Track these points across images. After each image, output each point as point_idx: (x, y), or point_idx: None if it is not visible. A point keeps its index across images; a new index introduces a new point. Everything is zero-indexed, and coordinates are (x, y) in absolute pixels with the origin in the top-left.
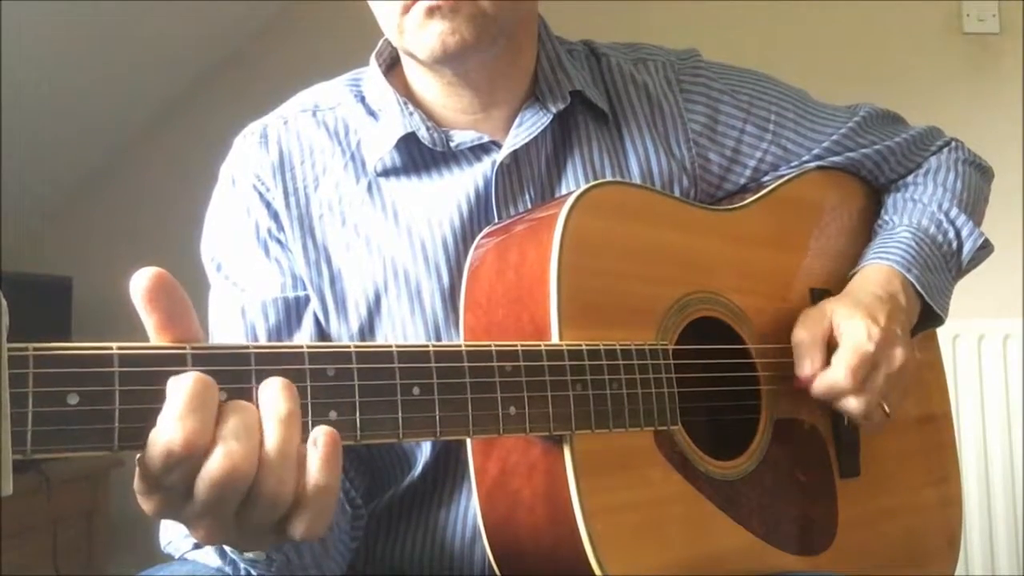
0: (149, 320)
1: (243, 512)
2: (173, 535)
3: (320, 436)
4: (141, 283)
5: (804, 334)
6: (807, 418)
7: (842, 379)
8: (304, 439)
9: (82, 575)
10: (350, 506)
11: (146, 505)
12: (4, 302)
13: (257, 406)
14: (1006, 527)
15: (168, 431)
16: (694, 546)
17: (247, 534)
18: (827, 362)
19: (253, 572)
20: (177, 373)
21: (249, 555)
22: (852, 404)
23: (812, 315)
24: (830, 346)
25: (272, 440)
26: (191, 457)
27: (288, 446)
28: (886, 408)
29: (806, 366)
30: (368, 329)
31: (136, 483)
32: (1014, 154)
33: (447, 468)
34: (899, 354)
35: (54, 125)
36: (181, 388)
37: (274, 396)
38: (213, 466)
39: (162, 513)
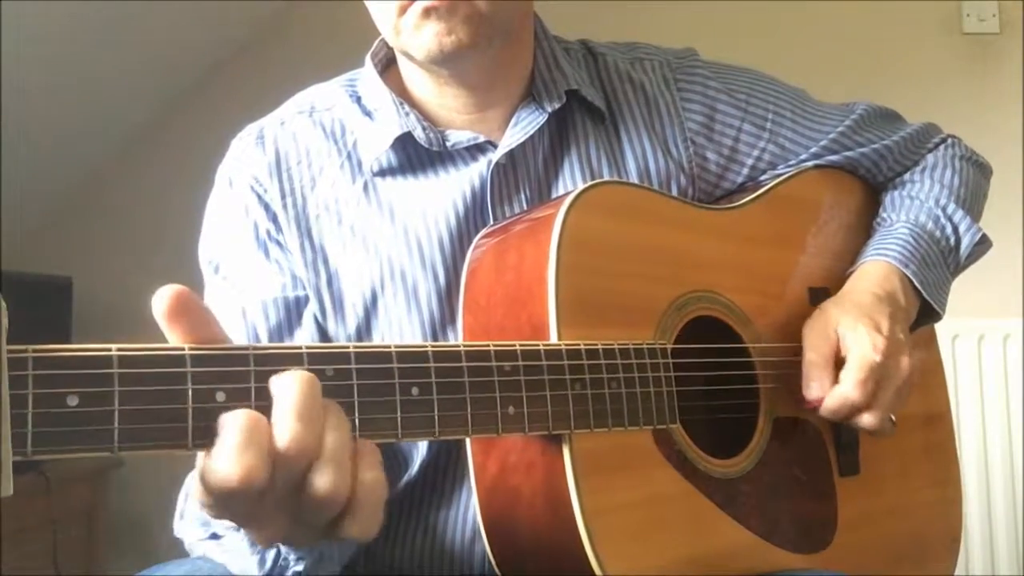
0: (172, 337)
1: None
2: (188, 525)
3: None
4: (161, 304)
5: (813, 355)
6: (806, 416)
7: (852, 394)
8: None
9: (82, 575)
10: None
11: (213, 512)
12: (4, 304)
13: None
14: (1006, 527)
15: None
16: (694, 544)
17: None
18: (836, 379)
19: (291, 557)
20: (178, 374)
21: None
22: (866, 420)
23: (817, 330)
24: (837, 361)
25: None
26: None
27: (347, 434)
28: (893, 418)
29: (814, 388)
30: (365, 328)
31: (202, 496)
32: (1014, 154)
33: (446, 467)
34: (905, 363)
35: (54, 125)
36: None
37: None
38: (280, 440)
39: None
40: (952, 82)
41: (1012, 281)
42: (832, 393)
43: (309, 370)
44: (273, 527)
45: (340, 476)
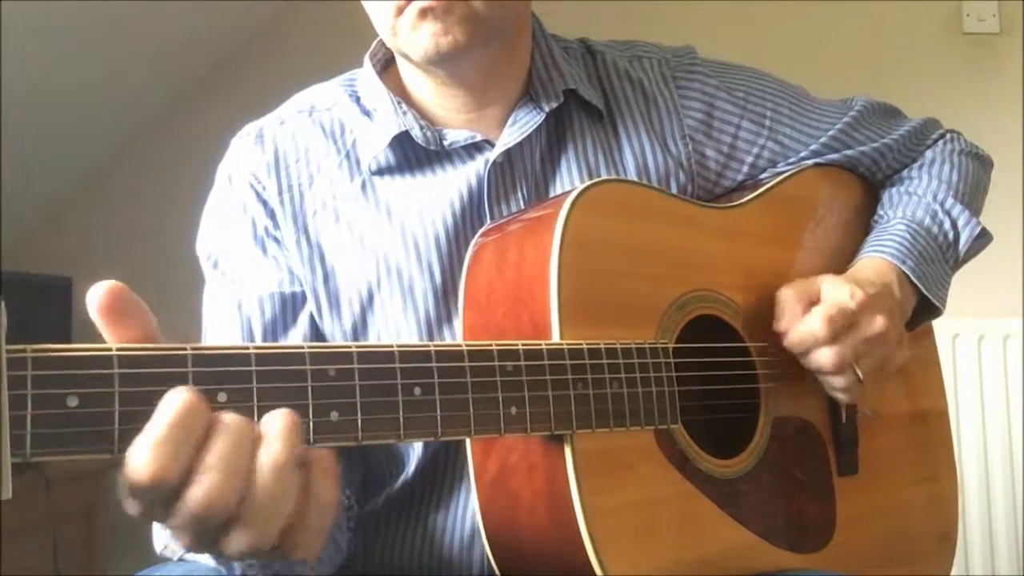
0: (106, 333)
1: (226, 540)
2: (167, 538)
3: (317, 459)
4: (96, 301)
5: (789, 291)
6: (806, 416)
7: (817, 327)
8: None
9: (82, 575)
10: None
11: (129, 509)
12: (2, 304)
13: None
14: (1006, 527)
15: (140, 459)
16: (694, 545)
17: (233, 557)
18: None
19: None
20: (178, 374)
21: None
22: (824, 355)
23: (801, 280)
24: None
25: (262, 478)
26: (160, 489)
27: (277, 492)
28: (859, 372)
29: (785, 319)
30: (361, 326)
31: (119, 489)
32: (1014, 154)
33: (444, 467)
34: (880, 321)
35: (54, 124)
36: (167, 410)
37: (275, 433)
38: (194, 496)
39: (146, 520)
40: (952, 82)
41: (1012, 281)
42: (799, 324)
43: (311, 370)
44: (189, 539)
45: (265, 517)
